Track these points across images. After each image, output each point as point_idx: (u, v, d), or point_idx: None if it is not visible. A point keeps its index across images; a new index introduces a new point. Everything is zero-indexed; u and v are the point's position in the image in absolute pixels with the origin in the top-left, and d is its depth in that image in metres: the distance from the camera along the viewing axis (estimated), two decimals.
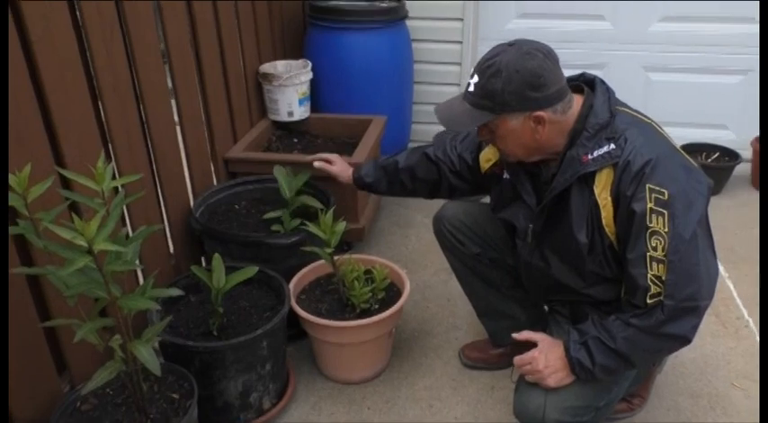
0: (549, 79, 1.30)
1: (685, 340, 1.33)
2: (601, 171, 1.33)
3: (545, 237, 1.49)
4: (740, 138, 3.12)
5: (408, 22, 2.96)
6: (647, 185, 1.27)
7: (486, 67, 1.32)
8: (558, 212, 1.43)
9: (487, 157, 1.64)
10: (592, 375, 1.35)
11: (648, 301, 1.30)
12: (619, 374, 1.42)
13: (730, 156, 3.03)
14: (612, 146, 1.31)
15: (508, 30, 3.13)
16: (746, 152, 3.05)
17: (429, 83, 3.26)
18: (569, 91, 1.36)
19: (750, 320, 2.15)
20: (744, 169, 3.06)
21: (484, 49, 3.15)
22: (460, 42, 3.14)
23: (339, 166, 2.01)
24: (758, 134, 3.02)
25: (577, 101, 1.37)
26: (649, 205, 1.27)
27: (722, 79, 3.08)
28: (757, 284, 2.33)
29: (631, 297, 1.34)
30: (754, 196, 2.94)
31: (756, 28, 2.92)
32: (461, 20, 3.09)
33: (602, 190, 1.34)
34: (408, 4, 2.92)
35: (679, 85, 3.13)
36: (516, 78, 1.29)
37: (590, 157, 1.33)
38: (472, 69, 1.38)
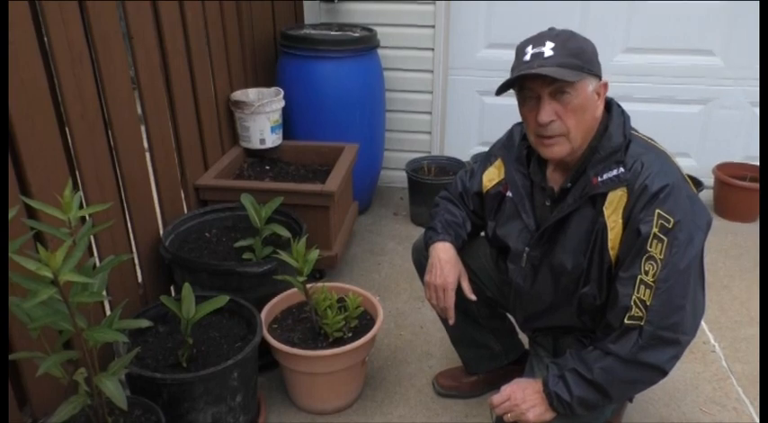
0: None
1: (662, 372, 1.31)
2: (613, 193, 1.32)
3: (541, 260, 1.47)
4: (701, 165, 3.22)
5: (380, 51, 3.00)
6: (657, 210, 1.27)
7: (556, 35, 1.32)
8: (556, 235, 1.42)
9: (490, 176, 1.60)
10: (570, 409, 1.33)
11: (626, 321, 1.29)
12: (597, 410, 1.39)
13: (693, 183, 3.11)
14: (621, 169, 1.32)
15: (479, 58, 3.19)
16: (708, 180, 3.15)
17: (401, 111, 3.30)
18: None
19: (716, 345, 2.19)
20: (706, 196, 3.15)
21: (455, 78, 3.25)
22: (431, 71, 3.19)
23: (460, 276, 1.62)
24: (718, 162, 3.13)
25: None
26: (654, 230, 1.27)
27: (681, 109, 3.17)
28: (723, 310, 2.38)
29: (609, 315, 1.33)
30: (718, 223, 3.02)
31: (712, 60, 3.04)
32: (432, 49, 3.14)
33: (613, 212, 1.33)
34: (380, 34, 2.96)
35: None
36: (589, 43, 1.33)
37: (599, 179, 1.33)
38: (527, 45, 1.32)
